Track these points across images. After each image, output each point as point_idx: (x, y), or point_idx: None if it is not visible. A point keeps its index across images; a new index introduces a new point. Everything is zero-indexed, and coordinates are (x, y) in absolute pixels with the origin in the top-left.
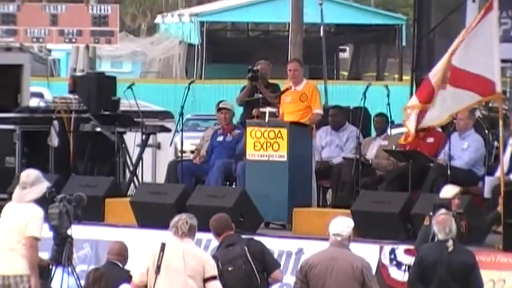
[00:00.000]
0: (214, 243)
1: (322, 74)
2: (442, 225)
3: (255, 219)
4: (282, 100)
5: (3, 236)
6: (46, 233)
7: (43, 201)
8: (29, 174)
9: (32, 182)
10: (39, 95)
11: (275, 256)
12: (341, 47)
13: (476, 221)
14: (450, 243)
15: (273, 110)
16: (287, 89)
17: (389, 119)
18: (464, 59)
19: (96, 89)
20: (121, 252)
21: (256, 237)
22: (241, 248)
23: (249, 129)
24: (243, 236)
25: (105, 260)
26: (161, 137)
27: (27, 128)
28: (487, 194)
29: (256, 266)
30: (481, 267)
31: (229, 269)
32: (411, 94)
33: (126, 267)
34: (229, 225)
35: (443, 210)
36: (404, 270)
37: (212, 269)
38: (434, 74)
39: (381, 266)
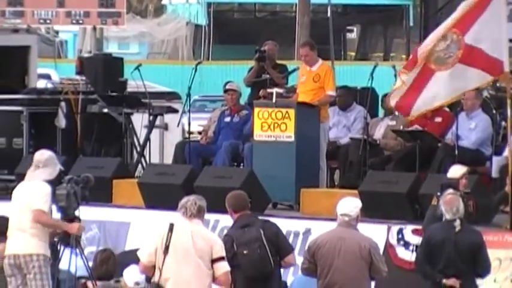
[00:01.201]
0: (222, 223)
1: (329, 55)
2: (449, 205)
3: (262, 199)
4: (298, 79)
5: (13, 216)
6: (54, 214)
7: (51, 182)
8: (43, 153)
9: (45, 162)
10: (47, 77)
11: None
12: (348, 28)
13: (484, 200)
14: (457, 223)
15: (280, 90)
16: (295, 70)
17: None
18: (479, 38)
19: (103, 70)
20: None
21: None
22: (257, 230)
23: (256, 109)
24: (259, 217)
25: (112, 241)
26: (168, 118)
27: (35, 110)
28: (494, 173)
29: (270, 250)
30: (488, 246)
31: (245, 252)
32: None
33: (129, 245)
34: (247, 204)
35: (450, 190)
36: (412, 250)
37: (220, 250)
38: (424, 46)
39: (388, 246)
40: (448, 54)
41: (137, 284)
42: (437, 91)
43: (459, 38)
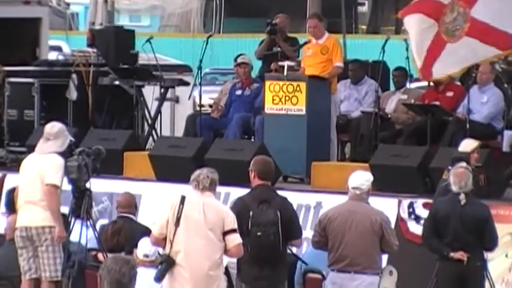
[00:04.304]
0: (233, 196)
1: (340, 28)
2: (458, 177)
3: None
4: (303, 53)
5: (24, 187)
6: (65, 186)
7: (62, 155)
8: (54, 125)
9: (56, 134)
10: (58, 49)
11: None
12: (359, 1)
13: (495, 174)
14: (462, 196)
15: (292, 63)
16: (306, 43)
17: (408, 73)
18: (485, 12)
19: (115, 42)
20: (130, 204)
21: None
22: (274, 212)
23: (267, 83)
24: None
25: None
26: (180, 90)
27: (46, 82)
28: (505, 147)
29: (283, 234)
30: (499, 220)
31: (258, 233)
32: None
33: (140, 219)
34: (272, 175)
35: (463, 164)
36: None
37: (232, 222)
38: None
39: (399, 220)
40: (455, 27)
41: (146, 256)
42: (449, 63)
43: (466, 10)
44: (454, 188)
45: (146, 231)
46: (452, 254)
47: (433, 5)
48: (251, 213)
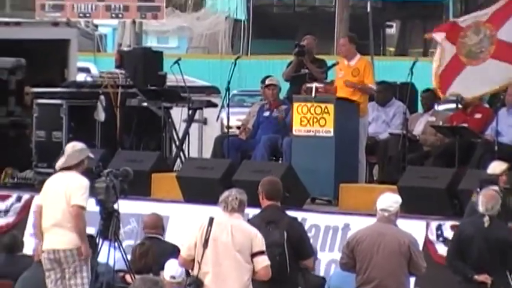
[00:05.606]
0: None
1: (368, 50)
2: (487, 199)
3: (301, 194)
4: (336, 74)
5: (49, 209)
6: (93, 207)
7: (89, 176)
8: (75, 145)
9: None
10: (86, 70)
11: (321, 232)
12: (388, 23)
13: None
14: (486, 219)
15: (320, 85)
16: (334, 65)
17: (437, 95)
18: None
19: (143, 64)
20: (157, 225)
21: (302, 214)
22: (280, 233)
23: (295, 104)
24: (287, 213)
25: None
26: (207, 112)
27: (74, 103)
28: None
29: (290, 255)
30: None
31: None
32: None
33: (168, 239)
34: (280, 195)
35: (496, 187)
36: None
37: (260, 244)
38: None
39: (427, 242)
40: (480, 49)
41: (173, 277)
42: (469, 84)
43: (492, 33)
44: (481, 209)
45: (175, 250)
46: (476, 277)
47: (451, 27)
48: None
